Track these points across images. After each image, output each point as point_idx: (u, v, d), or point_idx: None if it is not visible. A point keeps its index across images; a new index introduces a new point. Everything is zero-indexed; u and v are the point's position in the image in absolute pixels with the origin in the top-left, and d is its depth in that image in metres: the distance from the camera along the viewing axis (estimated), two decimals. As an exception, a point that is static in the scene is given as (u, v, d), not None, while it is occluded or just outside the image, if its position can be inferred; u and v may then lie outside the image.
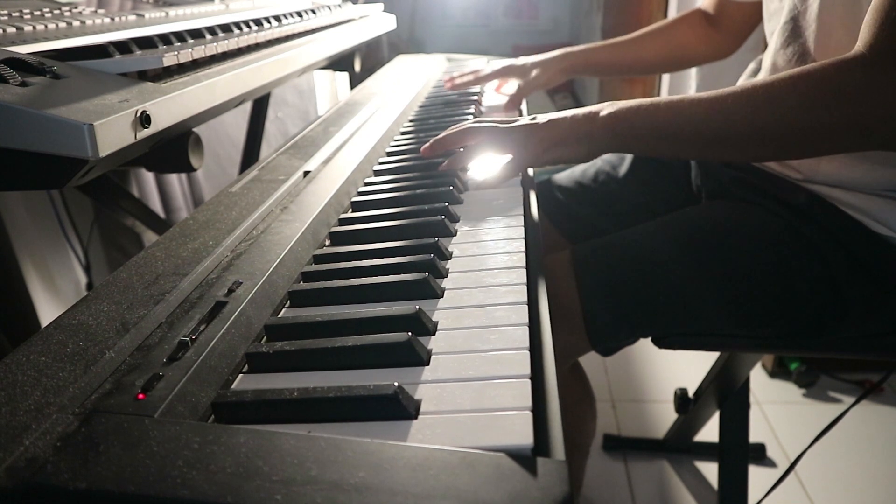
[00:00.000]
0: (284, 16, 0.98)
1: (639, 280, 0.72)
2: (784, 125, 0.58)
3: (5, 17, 0.67)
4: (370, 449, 0.28)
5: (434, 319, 0.42)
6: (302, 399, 0.33)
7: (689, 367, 1.54)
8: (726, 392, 1.05)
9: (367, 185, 0.70)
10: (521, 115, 1.02)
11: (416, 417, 0.33)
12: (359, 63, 1.31)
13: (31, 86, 0.49)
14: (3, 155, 0.46)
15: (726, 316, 0.71)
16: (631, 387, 1.53)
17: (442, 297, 0.45)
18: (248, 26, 0.85)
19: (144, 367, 0.35)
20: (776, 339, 0.74)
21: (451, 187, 0.64)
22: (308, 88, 1.88)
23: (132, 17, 0.79)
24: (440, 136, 0.72)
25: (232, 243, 0.50)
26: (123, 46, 0.62)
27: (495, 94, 1.13)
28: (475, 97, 1.03)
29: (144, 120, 0.51)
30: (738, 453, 1.04)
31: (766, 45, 0.81)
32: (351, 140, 0.80)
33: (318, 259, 0.53)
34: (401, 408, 0.32)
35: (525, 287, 0.45)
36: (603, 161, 1.00)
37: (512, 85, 1.12)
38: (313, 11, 1.10)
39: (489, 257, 0.51)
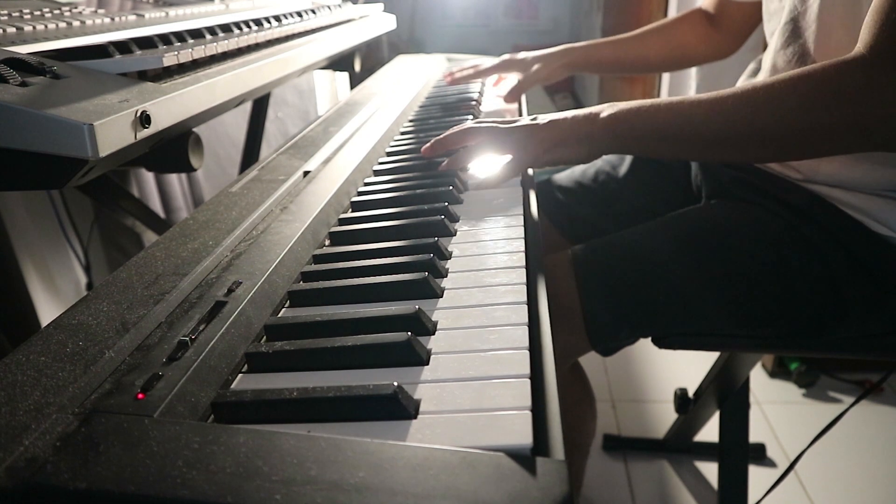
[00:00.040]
0: (284, 16, 0.98)
1: (639, 280, 0.72)
2: (784, 126, 0.58)
3: (5, 17, 0.67)
4: (370, 449, 0.28)
5: (434, 319, 0.42)
6: (301, 399, 0.33)
7: (689, 367, 1.54)
8: (726, 392, 1.05)
9: (366, 185, 0.70)
10: (521, 114, 1.02)
11: (415, 417, 0.33)
12: (359, 63, 1.31)
13: (31, 86, 0.49)
14: (3, 155, 0.46)
15: (726, 316, 0.71)
16: (631, 387, 1.53)
17: (441, 296, 0.45)
18: (248, 26, 0.85)
19: (144, 367, 0.35)
20: (776, 339, 0.74)
21: (451, 187, 0.64)
22: (308, 88, 1.88)
23: (132, 17, 0.79)
24: (441, 136, 0.72)
25: (232, 243, 0.50)
26: (123, 46, 0.62)
27: (495, 95, 1.13)
28: (475, 97, 1.03)
29: (144, 120, 0.51)
30: (738, 453, 1.04)
31: (766, 46, 0.81)
32: (351, 140, 0.80)
33: (317, 259, 0.53)
34: (400, 408, 0.32)
35: (525, 287, 0.45)
36: (603, 161, 1.00)
37: (512, 79, 1.12)
38: (313, 11, 1.10)
39: (489, 257, 0.51)
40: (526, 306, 0.42)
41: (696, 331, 0.73)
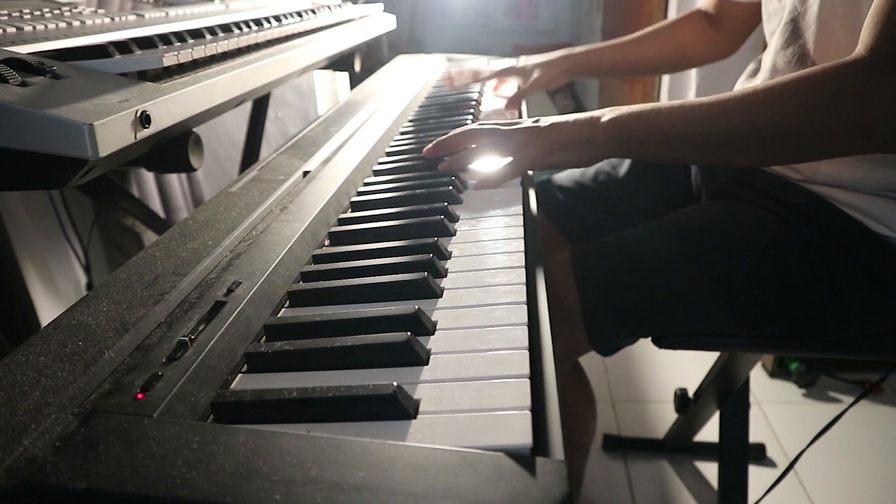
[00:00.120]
0: (284, 16, 0.98)
1: (639, 280, 0.72)
2: (785, 128, 0.58)
3: (5, 17, 0.67)
4: (370, 449, 0.28)
5: (433, 319, 0.42)
6: (301, 399, 0.33)
7: (689, 367, 1.54)
8: (726, 392, 1.05)
9: (366, 185, 0.70)
10: (521, 116, 1.02)
11: (415, 417, 0.33)
12: (359, 63, 1.31)
13: (31, 86, 0.49)
14: (3, 155, 0.46)
15: (726, 316, 0.71)
16: (631, 387, 1.53)
17: (441, 296, 0.45)
18: (248, 26, 0.85)
19: (144, 367, 0.35)
20: (776, 339, 0.74)
21: (451, 187, 0.64)
22: (308, 88, 1.88)
23: (132, 17, 0.79)
24: (443, 137, 0.72)
25: (231, 243, 0.50)
26: (123, 46, 0.62)
27: (496, 95, 1.13)
28: (475, 98, 1.03)
29: (144, 120, 0.51)
30: (738, 453, 1.04)
31: (765, 46, 0.81)
32: (351, 140, 0.80)
33: (317, 259, 0.53)
34: (400, 408, 0.32)
35: (524, 287, 0.45)
36: (603, 161, 1.00)
37: (511, 86, 1.12)
38: (313, 11, 1.10)
39: (488, 257, 0.51)
40: (526, 306, 0.42)
41: (696, 331, 0.73)
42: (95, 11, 0.79)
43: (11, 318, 1.13)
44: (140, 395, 0.32)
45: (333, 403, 0.33)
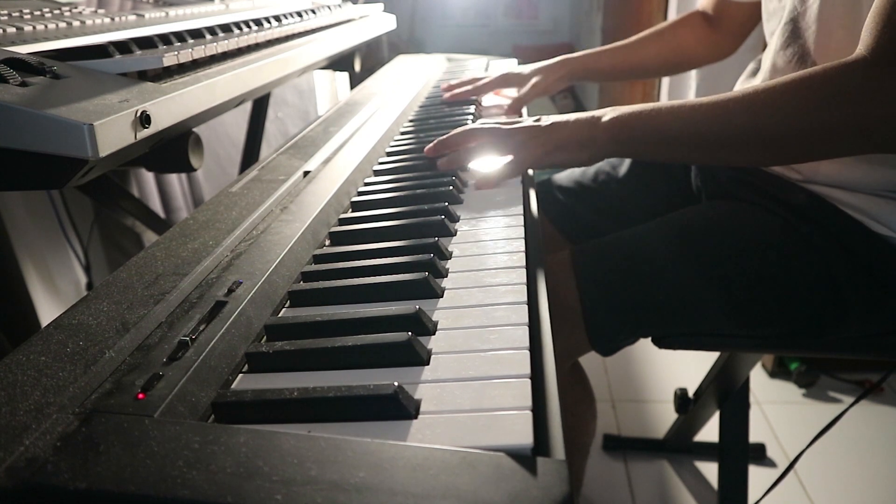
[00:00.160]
0: (284, 16, 0.98)
1: (639, 280, 0.72)
2: (785, 128, 0.58)
3: (5, 17, 0.67)
4: (370, 449, 0.28)
5: (434, 319, 0.42)
6: (302, 399, 0.33)
7: (689, 367, 1.54)
8: (726, 392, 1.05)
9: (366, 185, 0.70)
10: (521, 115, 1.02)
11: (415, 417, 0.33)
12: (359, 63, 1.31)
13: (31, 86, 0.49)
14: (3, 155, 0.46)
15: (726, 316, 0.71)
16: (631, 387, 1.53)
17: (442, 296, 0.45)
18: (248, 26, 0.85)
19: (144, 367, 0.35)
20: (776, 339, 0.74)
21: (451, 187, 0.65)
22: (308, 88, 1.88)
23: (132, 17, 0.79)
24: (444, 136, 0.72)
25: (232, 243, 0.50)
26: (123, 46, 0.62)
27: (496, 96, 1.13)
28: (475, 98, 1.03)
29: (144, 120, 0.51)
30: (738, 453, 1.04)
31: (765, 46, 0.81)
32: (351, 140, 0.80)
33: (317, 259, 0.53)
34: (401, 407, 0.32)
35: (525, 287, 0.45)
36: (603, 161, 0.99)
37: (510, 92, 1.11)
38: (313, 11, 1.10)
39: (489, 257, 0.51)
40: (526, 306, 0.42)
41: (696, 331, 0.73)
42: (95, 11, 0.79)
43: (11, 318, 1.13)
44: (141, 395, 0.32)
45: (334, 403, 0.33)
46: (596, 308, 0.71)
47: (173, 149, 0.64)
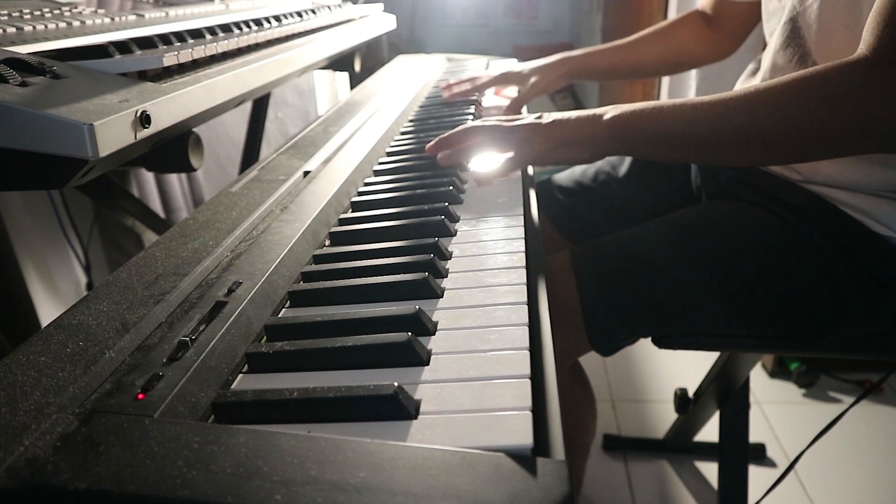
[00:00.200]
0: (284, 16, 0.98)
1: (639, 280, 0.72)
2: (786, 128, 0.58)
3: (5, 17, 0.67)
4: (370, 449, 0.28)
5: (434, 319, 0.42)
6: (302, 399, 0.33)
7: (689, 367, 1.54)
8: (726, 392, 1.05)
9: (367, 185, 0.70)
10: (521, 114, 1.02)
11: (415, 417, 0.33)
12: (359, 63, 1.31)
13: (31, 86, 0.49)
14: (3, 155, 0.46)
15: (726, 316, 0.71)
16: (631, 387, 1.53)
17: (442, 297, 0.45)
18: (248, 26, 0.85)
19: (144, 367, 0.35)
20: (776, 339, 0.74)
21: (451, 187, 0.65)
22: (308, 88, 1.88)
23: (132, 17, 0.79)
24: (445, 134, 0.72)
25: (232, 243, 0.50)
26: (123, 46, 0.62)
27: (496, 96, 1.13)
28: (475, 98, 1.03)
29: (144, 120, 0.51)
30: (738, 453, 1.04)
31: (765, 45, 0.81)
32: (351, 140, 0.80)
33: (317, 259, 0.53)
34: (400, 408, 0.32)
35: (525, 287, 0.45)
36: (603, 161, 0.99)
37: (510, 92, 1.11)
38: (313, 11, 1.10)
39: (489, 257, 0.51)
40: (526, 306, 0.42)
41: (696, 331, 0.73)
42: (95, 11, 0.79)
43: (11, 318, 1.13)
44: (141, 396, 0.32)
45: (334, 404, 0.33)
46: (596, 308, 0.71)
47: (173, 149, 0.64)
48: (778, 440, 1.33)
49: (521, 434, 0.30)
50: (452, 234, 0.57)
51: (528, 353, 0.37)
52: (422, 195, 0.64)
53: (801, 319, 0.71)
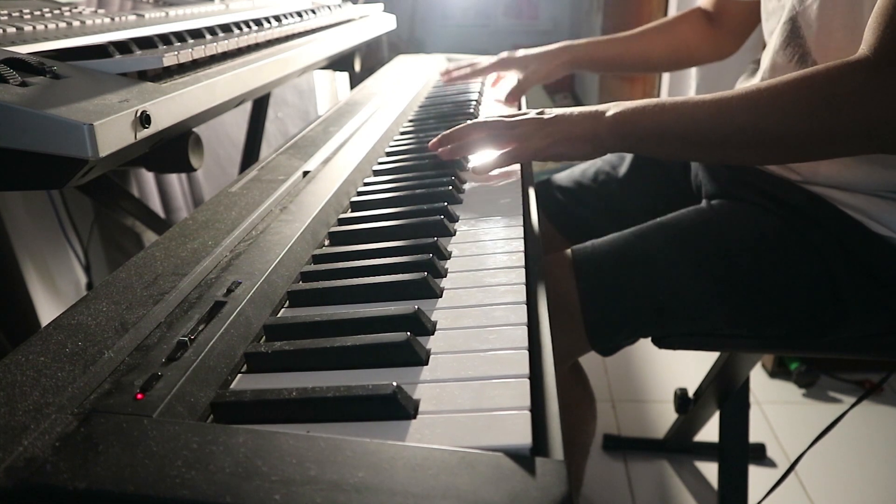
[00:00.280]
0: (284, 16, 0.98)
1: (638, 280, 0.72)
2: (786, 129, 0.58)
3: (5, 17, 0.67)
4: (369, 449, 0.28)
5: (433, 319, 0.42)
6: (301, 399, 0.33)
7: (689, 367, 1.54)
8: (726, 392, 1.05)
9: (366, 185, 0.70)
10: (520, 105, 1.02)
11: (414, 417, 0.33)
12: (359, 63, 1.31)
13: (31, 86, 0.49)
14: (3, 155, 0.46)
15: (726, 316, 0.71)
16: (631, 387, 1.53)
17: (441, 296, 0.45)
18: (248, 26, 0.85)
19: (143, 367, 0.35)
20: (776, 339, 0.74)
21: (451, 187, 0.65)
22: (308, 88, 1.88)
23: (132, 17, 0.79)
24: (447, 131, 0.72)
25: (231, 243, 0.50)
26: (123, 46, 0.62)
27: (497, 94, 1.13)
28: (475, 98, 1.03)
29: (144, 120, 0.51)
30: (738, 453, 1.04)
31: (765, 45, 0.81)
32: (351, 140, 0.80)
33: (317, 259, 0.53)
34: (399, 408, 0.32)
35: (524, 287, 0.45)
36: (603, 161, 0.99)
37: (511, 79, 1.11)
38: (313, 11, 1.10)
39: (488, 257, 0.51)
40: (525, 306, 0.42)
41: (696, 331, 0.73)
42: (95, 11, 0.79)
43: (11, 318, 1.13)
44: (140, 396, 0.32)
45: (333, 403, 0.33)
46: (596, 308, 0.71)
47: (173, 149, 0.64)
48: (778, 440, 1.33)
49: (520, 434, 0.30)
50: (451, 233, 0.57)
51: (527, 352, 0.37)
52: (421, 195, 0.64)
53: (801, 319, 0.71)
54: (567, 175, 1.02)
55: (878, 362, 1.23)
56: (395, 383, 0.33)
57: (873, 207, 0.69)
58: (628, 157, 0.97)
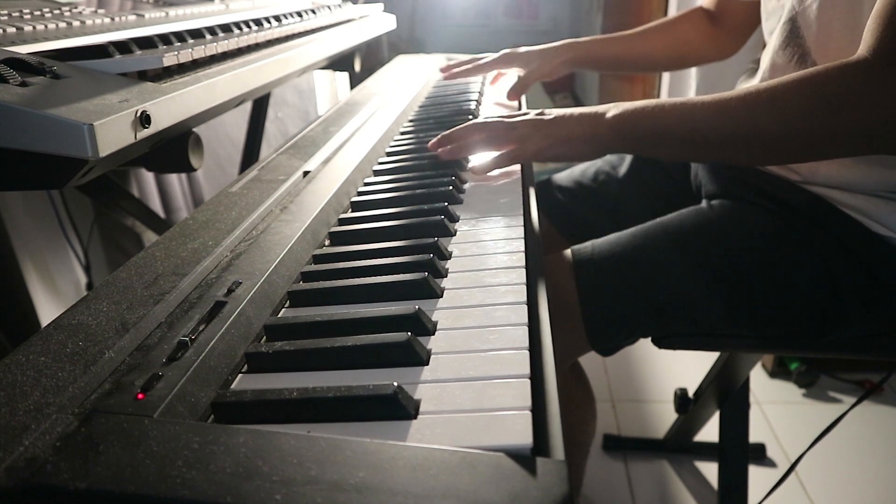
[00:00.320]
0: (284, 16, 0.98)
1: (639, 280, 0.72)
2: (786, 129, 0.58)
3: (5, 17, 0.67)
4: (370, 449, 0.28)
5: (434, 319, 0.42)
6: (301, 399, 0.33)
7: (689, 367, 1.54)
8: (726, 392, 1.05)
9: (366, 185, 0.70)
10: (521, 103, 1.02)
11: (415, 417, 0.33)
12: (359, 63, 1.31)
13: (31, 86, 0.49)
14: (3, 155, 0.46)
15: (726, 316, 0.71)
16: (631, 387, 1.53)
17: (441, 296, 0.45)
18: (248, 26, 0.85)
19: (144, 367, 0.35)
20: (776, 339, 0.74)
21: (451, 187, 0.65)
22: (308, 88, 1.88)
23: (132, 17, 0.79)
24: (447, 131, 0.72)
25: (232, 243, 0.50)
26: (123, 46, 0.62)
27: (497, 94, 1.13)
28: (475, 98, 1.03)
29: (144, 120, 0.51)
30: (738, 453, 1.04)
31: (764, 45, 0.81)
32: (351, 140, 0.80)
33: (317, 259, 0.53)
34: (400, 408, 0.32)
35: (525, 287, 0.45)
36: (603, 161, 0.99)
37: (511, 76, 1.11)
38: (313, 11, 1.10)
39: (489, 257, 0.51)
40: (526, 306, 0.42)
41: (696, 331, 0.73)
42: (95, 11, 0.79)
43: (11, 318, 1.13)
44: (140, 396, 0.32)
45: (334, 403, 0.33)
46: (596, 308, 0.71)
47: (173, 149, 0.64)
48: (778, 440, 1.33)
49: (521, 434, 0.30)
50: (452, 233, 0.57)
51: (527, 352, 0.37)
52: (421, 195, 0.64)
53: (801, 319, 0.71)
54: (567, 175, 1.02)
55: (878, 362, 1.23)
56: (395, 383, 0.33)
57: (873, 207, 0.69)
58: (628, 157, 0.97)
